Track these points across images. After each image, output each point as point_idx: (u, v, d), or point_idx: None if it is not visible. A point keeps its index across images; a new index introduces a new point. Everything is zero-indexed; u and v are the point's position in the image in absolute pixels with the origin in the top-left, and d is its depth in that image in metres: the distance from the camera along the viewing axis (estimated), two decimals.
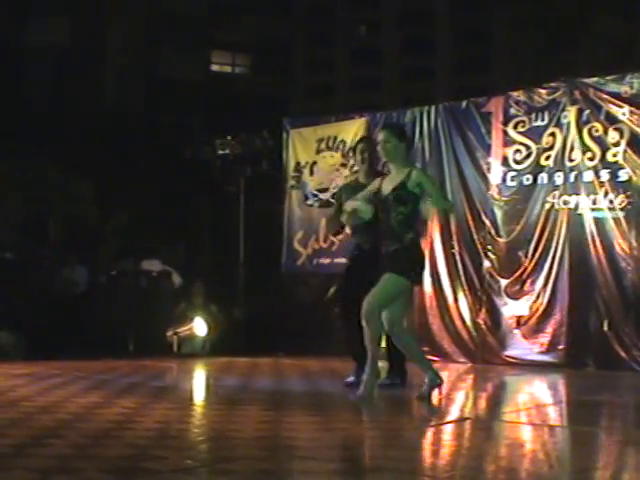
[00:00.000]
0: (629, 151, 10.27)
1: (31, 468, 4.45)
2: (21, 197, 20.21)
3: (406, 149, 7.58)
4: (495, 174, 11.38)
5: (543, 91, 11.12)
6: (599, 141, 10.51)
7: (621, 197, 10.31)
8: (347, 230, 8.78)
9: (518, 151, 11.19)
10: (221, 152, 14.13)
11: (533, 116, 11.10)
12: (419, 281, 7.82)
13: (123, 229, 18.51)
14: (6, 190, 19.78)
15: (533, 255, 10.97)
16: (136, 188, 22.27)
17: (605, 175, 10.43)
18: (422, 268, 7.53)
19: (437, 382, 7.38)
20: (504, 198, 11.30)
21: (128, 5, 38.61)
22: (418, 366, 7.61)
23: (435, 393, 7.45)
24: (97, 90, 34.67)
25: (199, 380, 10.49)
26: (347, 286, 8.43)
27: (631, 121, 10.27)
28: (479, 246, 11.44)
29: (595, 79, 10.69)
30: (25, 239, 14.09)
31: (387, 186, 7.37)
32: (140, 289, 13.52)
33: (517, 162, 11.19)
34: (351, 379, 8.17)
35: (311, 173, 13.00)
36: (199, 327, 12.84)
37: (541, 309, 10.87)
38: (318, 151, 13.00)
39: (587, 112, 10.63)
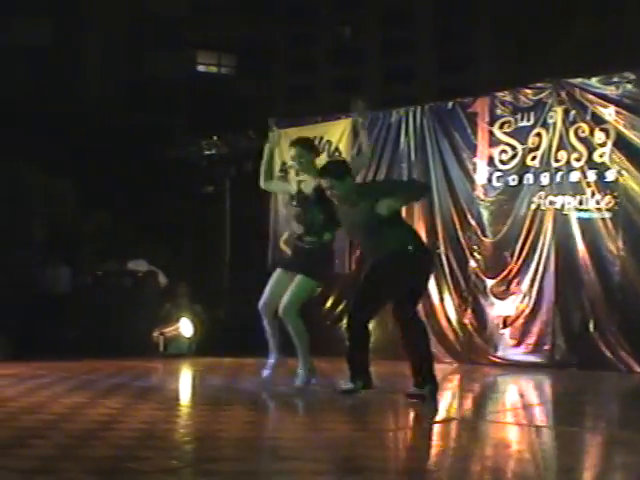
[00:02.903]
0: (616, 151, 10.26)
1: (15, 469, 4.41)
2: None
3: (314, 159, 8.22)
4: (481, 174, 11.37)
5: (529, 91, 11.10)
6: (585, 142, 10.49)
7: (608, 198, 10.29)
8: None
9: (504, 151, 11.17)
10: (207, 152, 14.07)
11: (519, 116, 11.09)
12: (324, 281, 8.38)
13: (105, 230, 18.41)
14: None
15: (519, 255, 10.97)
16: (118, 188, 22.15)
17: (592, 176, 10.41)
18: (330, 268, 8.17)
19: (308, 380, 7.85)
20: (490, 198, 11.29)
21: (111, 5, 38.52)
22: (299, 355, 7.95)
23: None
24: (79, 90, 34.56)
25: (185, 380, 10.44)
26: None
27: (617, 122, 10.26)
28: (465, 246, 11.44)
29: (581, 79, 10.66)
30: (6, 239, 13.99)
31: (305, 186, 8.07)
32: (126, 289, 13.47)
33: (503, 162, 11.18)
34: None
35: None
36: (185, 327, 12.81)
37: (527, 309, 10.87)
38: None
39: (573, 112, 10.62)
